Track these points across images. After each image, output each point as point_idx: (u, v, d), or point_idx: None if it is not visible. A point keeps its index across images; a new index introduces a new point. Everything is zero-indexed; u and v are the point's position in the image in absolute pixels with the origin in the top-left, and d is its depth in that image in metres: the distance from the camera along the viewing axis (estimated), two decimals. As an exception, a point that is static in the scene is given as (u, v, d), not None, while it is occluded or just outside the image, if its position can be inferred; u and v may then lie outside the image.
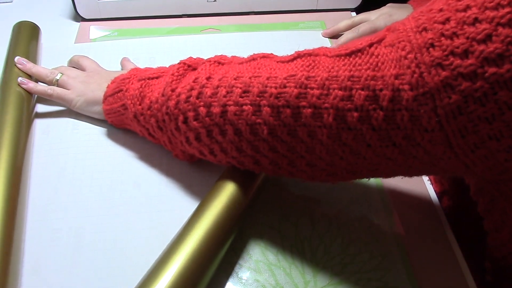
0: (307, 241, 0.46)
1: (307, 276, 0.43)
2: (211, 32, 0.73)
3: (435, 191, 0.52)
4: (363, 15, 0.71)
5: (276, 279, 0.43)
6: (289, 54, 0.39)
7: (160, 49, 0.69)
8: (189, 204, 0.48)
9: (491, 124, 0.31)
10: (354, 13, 0.77)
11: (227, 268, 0.43)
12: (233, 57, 0.44)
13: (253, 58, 0.41)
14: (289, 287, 0.42)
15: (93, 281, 0.42)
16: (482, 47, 0.29)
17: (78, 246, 0.44)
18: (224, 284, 0.42)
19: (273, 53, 0.42)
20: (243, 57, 0.43)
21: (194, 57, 0.46)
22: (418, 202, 0.50)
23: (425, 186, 0.52)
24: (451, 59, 0.30)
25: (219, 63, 0.43)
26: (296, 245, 0.45)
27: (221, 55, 0.45)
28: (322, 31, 0.72)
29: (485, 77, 0.29)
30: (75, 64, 0.62)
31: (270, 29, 0.74)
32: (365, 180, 0.52)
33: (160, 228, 0.46)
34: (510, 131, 0.30)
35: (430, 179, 0.53)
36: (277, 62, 0.39)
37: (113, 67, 0.62)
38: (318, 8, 0.77)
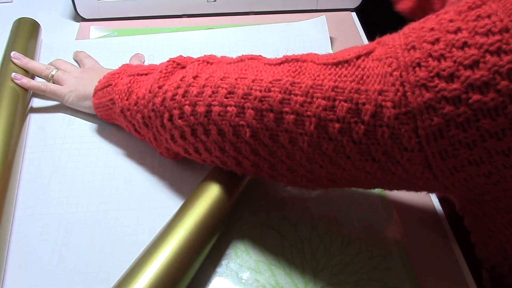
0: (307, 241, 0.46)
1: (307, 276, 0.43)
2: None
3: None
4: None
5: (276, 279, 0.43)
6: (278, 58, 0.39)
7: (160, 46, 0.69)
8: (180, 202, 0.48)
9: (472, 149, 0.30)
10: (354, 13, 0.77)
11: (227, 268, 0.43)
12: (223, 57, 0.44)
13: (241, 59, 0.41)
14: (289, 287, 0.42)
15: (81, 277, 0.42)
16: (468, 72, 0.29)
17: (67, 241, 0.45)
18: (224, 283, 0.42)
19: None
20: (232, 58, 0.43)
21: (192, 54, 0.46)
22: (418, 202, 0.50)
23: (425, 186, 0.52)
24: (436, 81, 0.30)
25: (207, 62, 0.43)
26: (296, 245, 0.45)
27: (211, 54, 0.45)
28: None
29: (469, 103, 0.29)
30: (78, 60, 0.63)
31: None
32: (365, 180, 0.52)
33: (150, 225, 0.46)
34: (490, 158, 0.30)
35: None
36: (265, 64, 0.39)
37: (113, 64, 0.63)
38: (318, 8, 0.77)
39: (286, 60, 0.38)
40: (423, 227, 0.48)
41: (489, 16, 0.29)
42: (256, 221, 0.47)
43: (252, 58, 0.41)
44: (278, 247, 0.45)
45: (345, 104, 0.33)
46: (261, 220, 0.47)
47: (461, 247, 0.46)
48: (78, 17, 0.74)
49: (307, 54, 0.38)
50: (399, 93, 0.31)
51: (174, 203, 0.48)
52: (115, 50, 0.68)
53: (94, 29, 0.73)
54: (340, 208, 0.49)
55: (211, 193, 0.43)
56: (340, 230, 0.47)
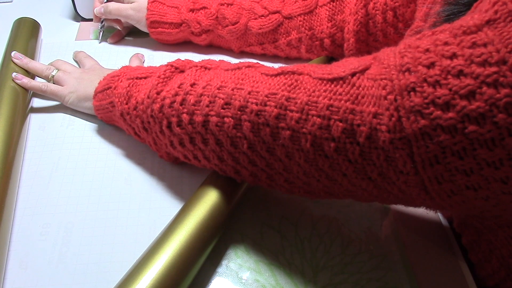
0: (307, 241, 0.46)
1: (307, 276, 0.43)
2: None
3: None
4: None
5: (276, 279, 0.43)
6: (275, 67, 0.39)
7: (160, 46, 0.69)
8: (180, 203, 0.48)
9: (469, 176, 0.30)
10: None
11: (227, 268, 0.43)
12: (221, 61, 0.44)
13: (238, 67, 0.41)
14: (289, 287, 0.42)
15: (80, 277, 0.42)
16: (464, 102, 0.28)
17: (67, 241, 0.45)
18: (224, 283, 0.42)
19: None
20: (230, 63, 0.43)
21: (191, 54, 0.46)
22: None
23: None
24: (432, 108, 0.29)
25: (205, 68, 0.43)
26: (296, 245, 0.45)
27: (209, 59, 0.45)
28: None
29: (465, 133, 0.29)
30: (78, 60, 0.63)
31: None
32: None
33: (150, 225, 0.46)
34: (488, 184, 0.30)
35: None
36: (261, 74, 0.39)
37: (113, 64, 0.63)
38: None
39: (283, 72, 0.38)
40: (423, 227, 0.48)
41: (485, 45, 0.28)
42: (256, 221, 0.47)
43: (249, 66, 0.41)
44: (278, 247, 0.45)
45: (340, 124, 0.33)
46: (261, 220, 0.47)
47: (461, 247, 0.46)
48: (78, 17, 0.75)
49: (304, 66, 0.38)
50: (393, 118, 0.31)
51: (174, 203, 0.48)
52: (115, 50, 0.68)
53: (94, 29, 0.73)
54: (340, 208, 0.49)
55: (212, 194, 0.43)
56: (340, 230, 0.47)
